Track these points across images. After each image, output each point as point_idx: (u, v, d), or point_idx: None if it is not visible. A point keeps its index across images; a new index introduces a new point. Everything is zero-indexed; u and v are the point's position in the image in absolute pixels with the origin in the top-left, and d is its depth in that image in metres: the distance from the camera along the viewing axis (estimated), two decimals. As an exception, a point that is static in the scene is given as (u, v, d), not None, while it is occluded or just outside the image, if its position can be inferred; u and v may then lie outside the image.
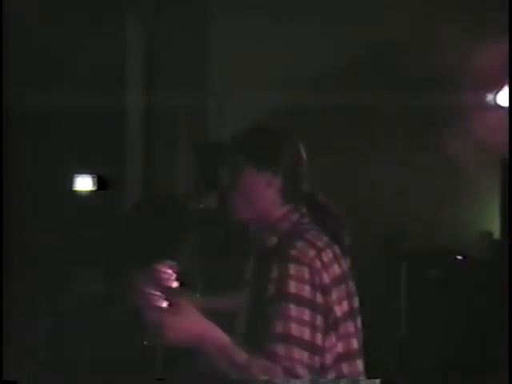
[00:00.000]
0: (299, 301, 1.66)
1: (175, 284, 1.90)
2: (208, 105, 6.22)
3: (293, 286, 1.67)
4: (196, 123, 6.09)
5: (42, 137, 4.85)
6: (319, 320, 1.68)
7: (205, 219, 4.21)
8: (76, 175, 5.03)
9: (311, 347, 1.65)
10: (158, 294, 1.66)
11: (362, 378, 1.82)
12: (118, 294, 4.18)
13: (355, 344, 1.80)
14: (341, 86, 5.82)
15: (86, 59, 4.96)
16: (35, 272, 4.59)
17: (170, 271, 1.91)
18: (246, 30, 5.92)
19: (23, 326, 4.21)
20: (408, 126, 5.93)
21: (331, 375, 1.73)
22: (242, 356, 1.60)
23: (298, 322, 1.65)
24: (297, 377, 1.60)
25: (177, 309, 1.61)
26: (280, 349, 1.62)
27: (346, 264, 1.84)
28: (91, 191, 5.05)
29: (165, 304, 1.63)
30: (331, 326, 1.72)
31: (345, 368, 1.76)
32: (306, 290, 1.68)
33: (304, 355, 1.63)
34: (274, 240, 1.83)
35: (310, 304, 1.67)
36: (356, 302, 1.86)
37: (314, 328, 1.66)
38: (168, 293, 1.67)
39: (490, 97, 6.07)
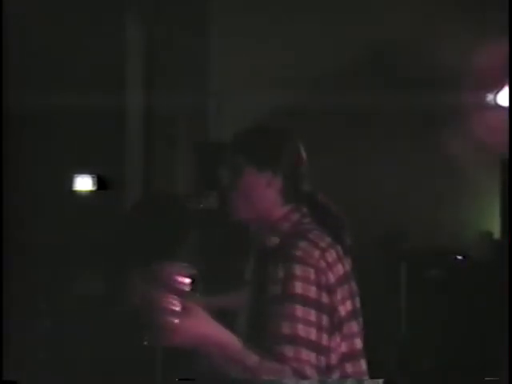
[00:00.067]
0: (305, 301, 1.67)
1: (188, 287, 1.89)
2: (208, 105, 6.22)
3: (299, 287, 1.67)
4: (196, 123, 6.09)
5: (41, 137, 4.84)
6: (325, 320, 1.68)
7: (205, 219, 4.21)
8: (76, 175, 5.03)
9: (318, 348, 1.65)
10: (172, 296, 1.63)
11: (366, 377, 1.82)
12: (118, 294, 4.18)
13: (359, 344, 1.81)
14: (341, 85, 5.82)
15: (86, 59, 4.96)
16: (35, 272, 4.59)
17: (183, 274, 1.89)
18: (246, 30, 5.92)
19: (23, 326, 4.21)
20: (408, 126, 5.93)
21: (336, 375, 1.74)
22: (252, 359, 1.60)
23: (305, 322, 1.65)
24: (305, 377, 1.61)
25: (189, 312, 1.59)
26: (288, 350, 1.62)
27: (348, 264, 1.85)
28: (91, 191, 5.05)
29: (178, 307, 1.61)
30: (336, 325, 1.73)
31: (349, 368, 1.77)
32: (312, 291, 1.68)
33: (311, 356, 1.63)
34: (274, 240, 1.83)
35: (316, 304, 1.68)
36: (358, 302, 1.86)
37: (320, 328, 1.67)
38: (181, 296, 1.64)
39: (489, 97, 6.07)
